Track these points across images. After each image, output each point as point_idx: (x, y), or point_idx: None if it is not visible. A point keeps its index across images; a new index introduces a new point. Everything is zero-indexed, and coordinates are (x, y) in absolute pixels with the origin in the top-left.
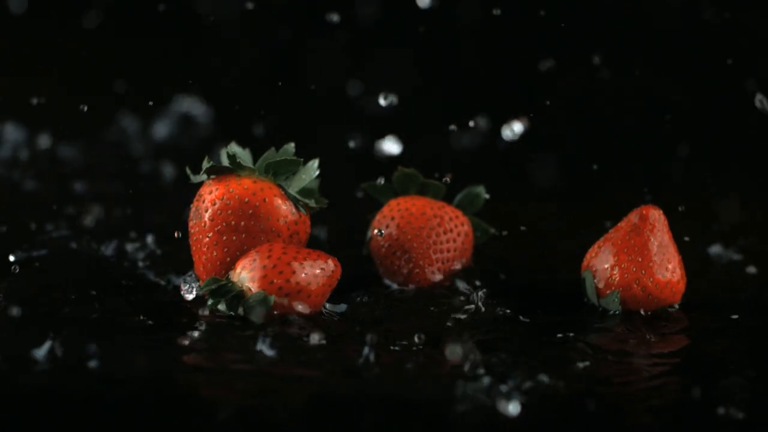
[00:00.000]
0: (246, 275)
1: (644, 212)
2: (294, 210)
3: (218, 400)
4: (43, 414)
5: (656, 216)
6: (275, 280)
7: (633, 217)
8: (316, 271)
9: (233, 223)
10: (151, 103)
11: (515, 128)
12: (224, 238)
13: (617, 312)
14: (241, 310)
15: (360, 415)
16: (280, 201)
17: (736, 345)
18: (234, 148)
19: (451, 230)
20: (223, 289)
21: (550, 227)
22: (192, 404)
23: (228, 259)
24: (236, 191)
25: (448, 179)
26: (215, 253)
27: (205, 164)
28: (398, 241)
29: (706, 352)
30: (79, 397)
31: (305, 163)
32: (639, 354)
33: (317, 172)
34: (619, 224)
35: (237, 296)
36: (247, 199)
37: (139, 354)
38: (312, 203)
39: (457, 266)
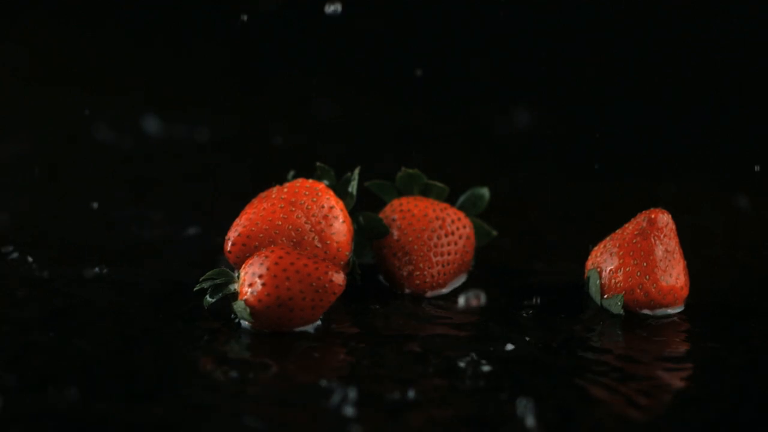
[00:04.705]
0: (239, 277)
1: (653, 216)
2: (348, 252)
3: None
4: None
5: (665, 221)
6: (255, 291)
7: (641, 219)
8: (306, 287)
9: (308, 207)
10: None
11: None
12: (291, 209)
13: (619, 314)
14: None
15: None
16: (349, 236)
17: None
18: (356, 175)
19: (453, 233)
20: (222, 286)
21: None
22: None
23: (278, 223)
24: (331, 196)
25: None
26: (273, 212)
27: (319, 165)
28: (399, 243)
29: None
30: None
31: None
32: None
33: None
34: (627, 225)
35: (233, 294)
36: (333, 206)
37: None
38: (357, 268)
39: (460, 276)
